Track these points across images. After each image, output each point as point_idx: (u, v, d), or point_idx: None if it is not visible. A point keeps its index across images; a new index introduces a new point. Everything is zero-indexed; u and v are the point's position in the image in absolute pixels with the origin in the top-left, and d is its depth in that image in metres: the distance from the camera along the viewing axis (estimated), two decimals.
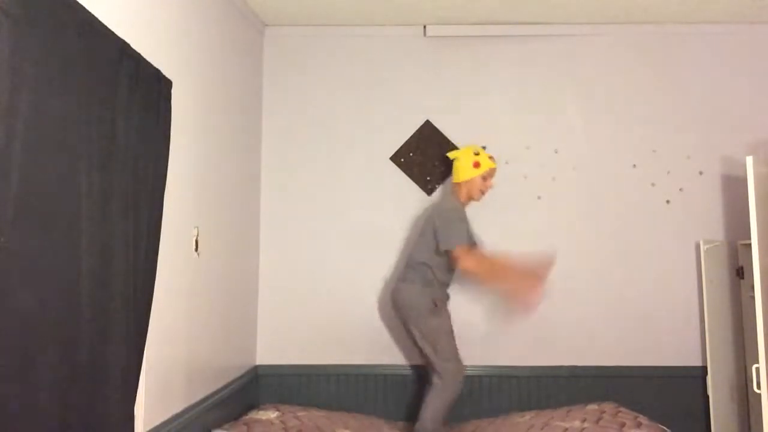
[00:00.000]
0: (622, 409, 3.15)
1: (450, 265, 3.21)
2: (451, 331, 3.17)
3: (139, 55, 1.99)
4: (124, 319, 1.85)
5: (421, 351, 3.19)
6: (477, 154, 3.30)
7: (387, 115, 3.72)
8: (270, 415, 3.08)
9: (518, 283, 3.14)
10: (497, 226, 3.60)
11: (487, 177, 3.30)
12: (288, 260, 3.65)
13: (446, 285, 3.29)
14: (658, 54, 3.70)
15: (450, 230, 3.15)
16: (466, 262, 3.10)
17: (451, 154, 3.42)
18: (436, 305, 3.16)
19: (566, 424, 2.95)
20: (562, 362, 3.49)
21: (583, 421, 2.97)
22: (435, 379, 3.10)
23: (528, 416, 3.17)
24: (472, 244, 3.25)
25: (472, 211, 3.39)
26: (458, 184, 3.33)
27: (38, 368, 1.47)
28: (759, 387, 2.76)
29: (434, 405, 3.06)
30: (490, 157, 3.33)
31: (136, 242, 1.93)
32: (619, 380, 3.48)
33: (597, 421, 2.96)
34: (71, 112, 1.60)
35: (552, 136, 3.65)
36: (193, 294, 2.63)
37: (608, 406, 3.18)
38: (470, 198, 3.33)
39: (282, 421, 2.99)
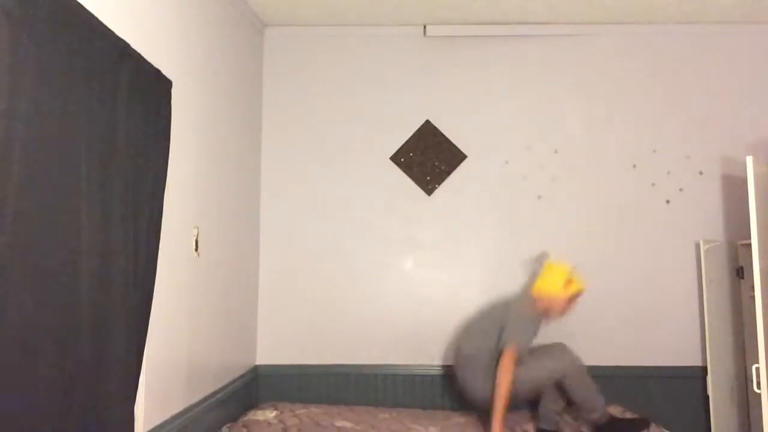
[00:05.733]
0: (627, 413, 3.15)
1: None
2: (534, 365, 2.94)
3: (139, 55, 1.99)
4: (124, 319, 1.84)
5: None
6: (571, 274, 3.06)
7: (387, 115, 3.71)
8: (268, 414, 3.08)
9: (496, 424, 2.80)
10: (497, 227, 3.61)
11: (573, 299, 3.04)
12: (288, 260, 3.65)
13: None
14: (658, 54, 3.70)
15: (518, 327, 2.93)
16: (506, 365, 2.83)
17: (546, 265, 3.14)
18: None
19: None
20: None
21: None
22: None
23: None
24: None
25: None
26: (539, 295, 3.02)
27: (38, 368, 1.46)
28: (759, 387, 2.77)
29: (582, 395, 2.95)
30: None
31: (136, 242, 1.94)
32: (619, 380, 3.47)
33: None
34: (71, 112, 1.60)
35: (552, 136, 3.65)
36: (193, 294, 2.63)
37: (613, 409, 3.17)
38: (548, 315, 3.04)
39: (281, 420, 3.00)
